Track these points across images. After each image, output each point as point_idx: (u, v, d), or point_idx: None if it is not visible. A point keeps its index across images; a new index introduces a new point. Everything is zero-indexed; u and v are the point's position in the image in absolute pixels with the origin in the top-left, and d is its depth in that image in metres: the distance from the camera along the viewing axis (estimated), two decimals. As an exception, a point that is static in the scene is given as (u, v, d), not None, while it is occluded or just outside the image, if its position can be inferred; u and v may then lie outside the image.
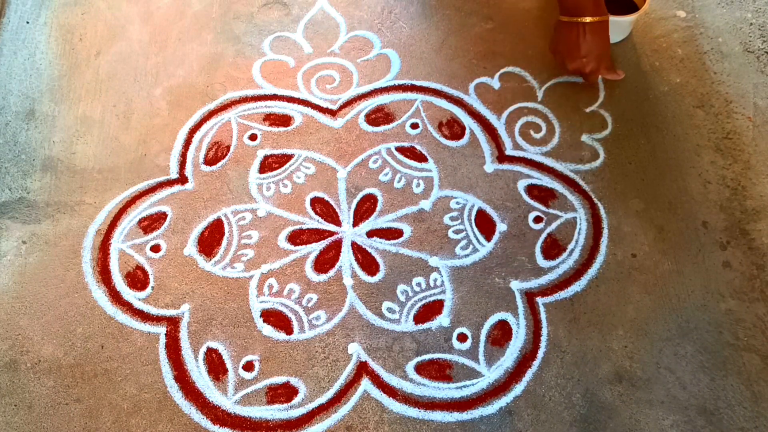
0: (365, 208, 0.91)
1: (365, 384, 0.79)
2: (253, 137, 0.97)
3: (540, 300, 0.84)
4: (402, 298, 0.84)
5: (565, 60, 0.94)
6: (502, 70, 1.03)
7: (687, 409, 0.76)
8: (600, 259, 0.86)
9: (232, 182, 0.93)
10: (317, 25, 1.09)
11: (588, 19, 0.89)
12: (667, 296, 0.83)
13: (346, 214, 0.91)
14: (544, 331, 0.81)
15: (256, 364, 0.80)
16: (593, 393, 0.77)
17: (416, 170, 0.94)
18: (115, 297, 0.85)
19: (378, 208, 0.91)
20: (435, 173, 0.94)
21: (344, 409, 0.77)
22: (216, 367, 0.80)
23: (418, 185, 0.93)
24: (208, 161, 0.95)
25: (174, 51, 1.06)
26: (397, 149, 0.96)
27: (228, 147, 0.97)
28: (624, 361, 0.79)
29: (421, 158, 0.95)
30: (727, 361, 0.79)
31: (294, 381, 0.79)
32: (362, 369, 0.80)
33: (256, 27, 1.09)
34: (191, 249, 0.88)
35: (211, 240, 0.89)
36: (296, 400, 0.78)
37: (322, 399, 0.78)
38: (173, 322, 0.83)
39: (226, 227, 0.90)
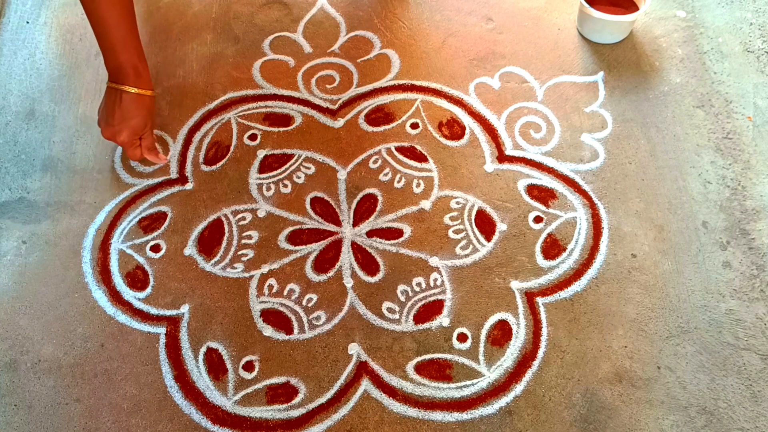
0: (365, 208, 0.91)
1: (365, 384, 0.79)
2: (253, 137, 0.97)
3: (540, 300, 0.84)
4: (402, 298, 0.84)
5: (99, 124, 0.87)
6: (502, 70, 1.03)
7: (687, 409, 0.76)
8: (600, 259, 0.86)
9: (232, 182, 0.93)
10: (317, 25, 1.09)
11: (126, 88, 0.84)
12: (667, 296, 0.83)
13: (346, 214, 0.91)
14: (544, 331, 0.81)
15: (256, 364, 0.80)
16: (593, 393, 0.77)
17: (416, 170, 0.94)
18: (115, 297, 0.85)
19: (378, 208, 0.91)
20: (435, 173, 0.94)
21: (344, 409, 0.77)
22: (216, 367, 0.80)
23: (418, 185, 0.93)
24: (208, 161, 0.95)
25: (174, 51, 1.06)
26: (397, 149, 0.96)
27: (228, 147, 0.97)
28: (624, 361, 0.79)
29: (421, 158, 0.95)
30: (727, 361, 0.79)
31: (294, 381, 0.79)
32: (362, 369, 0.80)
33: (256, 27, 1.09)
34: (191, 249, 0.88)
35: (211, 240, 0.89)
36: (296, 400, 0.78)
37: (322, 399, 0.78)
38: (173, 322, 0.83)
39: (226, 227, 0.90)
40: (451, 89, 1.01)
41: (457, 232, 0.89)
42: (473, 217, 0.90)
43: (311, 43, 1.07)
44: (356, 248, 0.88)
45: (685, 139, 0.96)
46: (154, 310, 0.84)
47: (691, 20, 1.08)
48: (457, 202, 0.91)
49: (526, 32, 1.07)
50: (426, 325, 0.82)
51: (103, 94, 0.87)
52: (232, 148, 0.96)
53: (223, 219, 0.90)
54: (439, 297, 0.84)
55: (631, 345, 0.80)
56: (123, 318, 0.83)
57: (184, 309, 0.84)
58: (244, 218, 0.91)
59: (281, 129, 0.98)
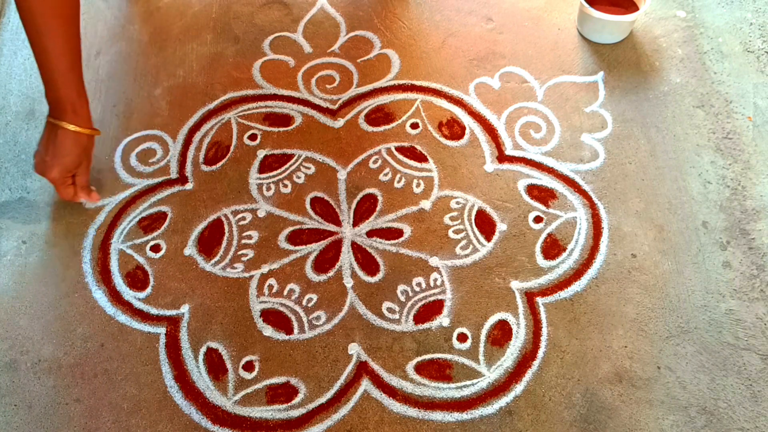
0: (365, 208, 0.91)
1: (365, 384, 0.79)
2: (253, 137, 0.97)
3: (540, 300, 0.84)
4: (402, 298, 0.84)
5: (35, 157, 0.85)
6: (502, 70, 1.03)
7: (687, 409, 0.76)
8: (600, 259, 0.86)
9: (232, 182, 0.93)
10: (317, 24, 1.09)
11: (63, 124, 0.81)
12: (667, 296, 0.83)
13: (346, 214, 0.91)
14: (544, 331, 0.81)
15: (256, 364, 0.80)
16: (593, 393, 0.77)
17: (416, 170, 0.94)
18: (115, 297, 0.85)
19: (378, 208, 0.91)
20: (435, 173, 0.94)
21: (344, 409, 0.77)
22: (216, 367, 0.80)
23: (418, 185, 0.93)
24: (208, 161, 0.95)
25: (174, 51, 1.06)
26: (397, 149, 0.96)
27: (228, 147, 0.97)
28: (624, 361, 0.79)
29: (421, 158, 0.95)
30: (727, 361, 0.79)
31: (294, 381, 0.79)
32: (362, 369, 0.80)
33: (256, 27, 1.09)
34: (191, 249, 0.88)
35: (211, 240, 0.89)
36: (296, 400, 0.78)
37: (322, 399, 0.78)
38: (173, 322, 0.83)
39: (226, 227, 0.90)
40: (451, 89, 1.01)
41: (457, 232, 0.89)
42: (473, 217, 0.90)
43: (311, 43, 1.07)
44: (356, 248, 0.88)
45: (685, 139, 0.96)
46: (154, 310, 0.84)
47: (691, 20, 1.08)
48: (457, 202, 0.91)
49: (526, 32, 1.07)
50: (426, 325, 0.82)
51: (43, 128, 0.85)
52: (232, 148, 0.96)
53: (223, 219, 0.90)
54: (439, 297, 0.84)
55: (631, 345, 0.80)
56: (123, 318, 0.83)
57: (184, 309, 0.84)
58: (244, 218, 0.91)
59: (281, 129, 0.98)
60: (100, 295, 0.85)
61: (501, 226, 0.89)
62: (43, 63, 0.79)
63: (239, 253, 0.88)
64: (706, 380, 0.77)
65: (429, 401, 0.77)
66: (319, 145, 0.96)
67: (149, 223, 0.90)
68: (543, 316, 0.82)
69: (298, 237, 0.89)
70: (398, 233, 0.89)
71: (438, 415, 0.76)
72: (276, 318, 0.83)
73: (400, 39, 1.07)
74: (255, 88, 1.02)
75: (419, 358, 0.80)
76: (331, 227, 0.90)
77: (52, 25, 0.77)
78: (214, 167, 0.95)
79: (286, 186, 0.93)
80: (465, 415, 0.76)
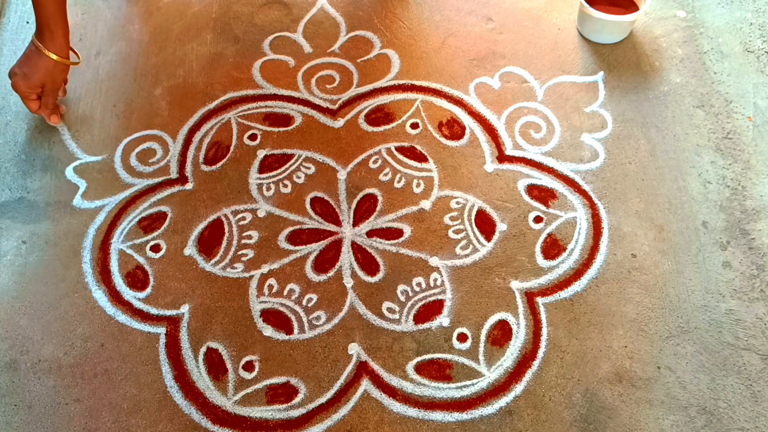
0: (365, 208, 0.91)
1: (365, 384, 0.79)
2: (253, 137, 0.97)
3: (540, 300, 0.84)
4: (402, 298, 0.84)
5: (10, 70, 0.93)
6: (502, 70, 1.03)
7: (687, 409, 0.76)
8: (600, 259, 0.86)
9: (232, 182, 0.93)
10: (317, 25, 1.09)
11: (37, 44, 0.90)
12: (667, 296, 0.83)
13: (346, 214, 0.91)
14: (544, 331, 0.81)
15: (256, 364, 0.80)
16: (593, 393, 0.77)
17: (416, 170, 0.94)
18: (115, 297, 0.85)
19: (378, 208, 0.91)
20: (435, 173, 0.94)
21: (344, 409, 0.77)
22: (216, 367, 0.80)
23: (418, 185, 0.93)
24: (208, 161, 0.95)
25: (174, 51, 1.06)
26: (397, 149, 0.96)
27: (228, 147, 0.97)
28: (624, 361, 0.79)
29: (421, 158, 0.95)
30: (727, 361, 0.79)
31: (294, 381, 0.79)
32: (362, 369, 0.80)
33: (256, 27, 1.09)
34: (191, 249, 0.88)
35: (211, 240, 0.89)
36: (296, 400, 0.78)
37: (322, 399, 0.78)
38: (173, 322, 0.83)
39: (226, 227, 0.90)
40: (451, 89, 1.01)
41: (457, 232, 0.89)
42: (473, 217, 0.90)
43: (311, 43, 1.07)
44: (356, 248, 0.88)
45: (685, 139, 0.96)
46: (154, 310, 0.84)
47: (691, 20, 1.08)
48: (457, 202, 0.91)
49: (526, 32, 1.07)
50: (426, 325, 0.82)
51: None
52: (232, 148, 0.96)
53: (223, 219, 0.90)
54: (439, 297, 0.84)
55: (631, 345, 0.80)
56: (123, 318, 0.83)
57: (184, 309, 0.84)
58: (244, 218, 0.91)
59: (281, 129, 0.98)
60: (100, 295, 0.85)
61: (501, 226, 0.89)
62: None
63: (239, 253, 0.88)
64: (706, 380, 0.77)
65: (429, 401, 0.77)
66: (319, 145, 0.96)
67: (149, 223, 0.90)
68: (543, 316, 0.82)
69: (298, 237, 0.89)
70: (398, 233, 0.89)
71: (438, 415, 0.76)
72: (276, 318, 0.83)
73: (400, 39, 1.07)
74: (255, 88, 1.02)
75: (419, 358, 0.80)
76: (331, 227, 0.90)
77: None
78: (214, 167, 0.95)
79: (286, 186, 0.93)
80: (465, 415, 0.76)
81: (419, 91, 1.01)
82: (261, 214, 0.91)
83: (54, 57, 0.91)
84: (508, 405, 0.77)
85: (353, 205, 0.91)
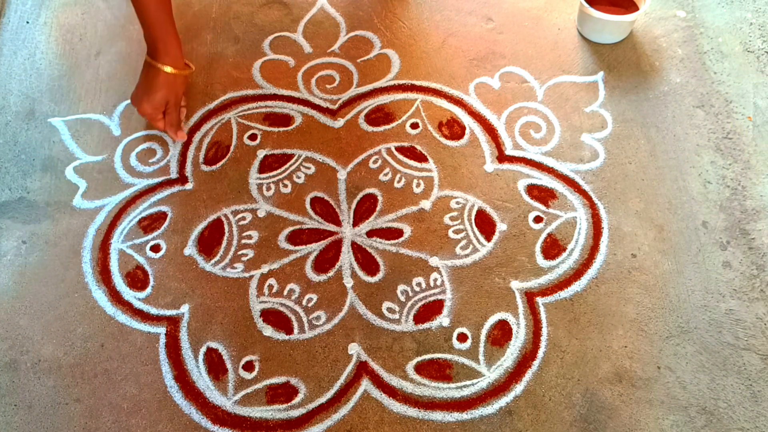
0: (365, 208, 0.91)
1: (365, 384, 0.79)
2: (253, 137, 0.97)
3: (540, 300, 0.84)
4: (402, 298, 0.84)
5: (132, 94, 0.93)
6: (502, 70, 1.03)
7: (687, 409, 0.76)
8: (600, 259, 0.86)
9: (232, 182, 0.93)
10: (317, 24, 1.09)
11: (153, 62, 0.90)
12: (667, 296, 0.83)
13: (346, 214, 0.91)
14: (544, 331, 0.81)
15: (256, 364, 0.80)
16: (593, 393, 0.77)
17: (416, 170, 0.94)
18: (115, 297, 0.85)
19: (378, 208, 0.91)
20: (435, 173, 0.94)
21: (344, 409, 0.77)
22: (216, 367, 0.80)
23: (418, 185, 0.93)
24: (208, 161, 0.95)
25: (174, 51, 1.06)
26: (397, 149, 0.96)
27: (228, 147, 0.97)
28: (624, 361, 0.79)
29: (421, 158, 0.95)
30: (727, 361, 0.79)
31: (294, 381, 0.79)
32: (362, 369, 0.80)
33: (256, 27, 1.09)
34: (191, 249, 0.88)
35: (211, 240, 0.89)
36: (296, 400, 0.78)
37: (322, 399, 0.78)
38: (173, 322, 0.83)
39: (226, 227, 0.90)
40: (451, 89, 1.01)
41: (457, 232, 0.89)
42: (473, 217, 0.90)
43: (311, 43, 1.07)
44: (356, 248, 0.88)
45: (685, 139, 0.96)
46: (154, 310, 0.84)
47: (691, 20, 1.08)
48: (457, 202, 0.91)
49: (526, 32, 1.07)
50: (426, 325, 0.82)
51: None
52: (232, 148, 0.96)
53: (223, 219, 0.90)
54: (439, 297, 0.84)
55: (631, 345, 0.80)
56: (123, 318, 0.83)
57: (184, 309, 0.84)
58: (244, 218, 0.91)
59: (281, 129, 0.98)
60: (100, 295, 0.85)
61: (501, 226, 0.89)
62: (138, 7, 0.87)
63: (239, 253, 0.88)
64: (706, 380, 0.77)
65: (429, 401, 0.77)
66: (319, 145, 0.96)
67: (149, 223, 0.90)
68: (543, 316, 0.82)
69: (298, 237, 0.89)
70: (398, 233, 0.89)
71: (438, 415, 0.76)
72: (276, 318, 0.83)
73: (400, 39, 1.07)
74: (255, 88, 1.02)
75: (419, 358, 0.80)
76: (331, 227, 0.90)
77: None
78: (214, 167, 0.95)
79: (286, 186, 0.93)
80: (465, 415, 0.76)
81: (419, 91, 1.01)
82: (261, 214, 0.91)
83: (172, 70, 0.90)
84: (508, 405, 0.77)
85: (353, 205, 0.91)
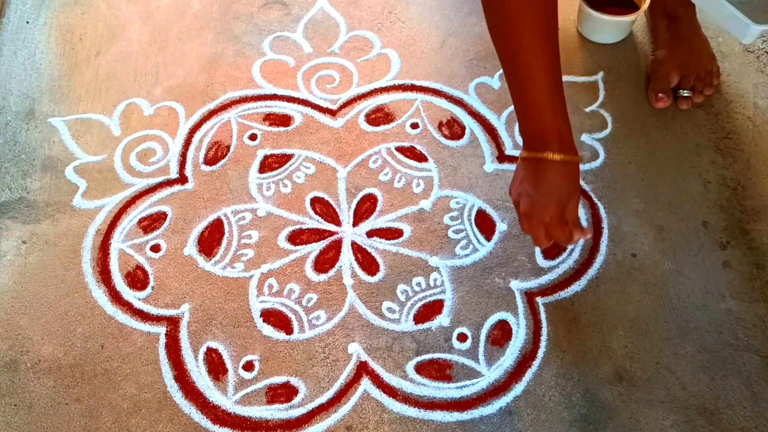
0: (365, 208, 0.91)
1: (365, 384, 0.79)
2: (253, 137, 0.97)
3: (540, 300, 0.84)
4: (402, 297, 0.84)
5: (517, 204, 0.73)
6: (502, 70, 1.03)
7: (687, 409, 0.76)
8: (600, 259, 0.86)
9: (232, 182, 0.93)
10: (317, 24, 1.09)
11: (549, 156, 0.68)
12: (667, 296, 0.83)
13: (346, 214, 0.91)
14: (544, 331, 0.81)
15: (256, 364, 0.80)
16: (593, 393, 0.77)
17: (416, 170, 0.94)
18: (115, 297, 0.85)
19: (378, 208, 0.91)
20: (435, 173, 0.94)
21: (344, 409, 0.77)
22: (216, 367, 0.80)
23: (418, 185, 0.93)
24: (208, 161, 0.95)
25: (174, 51, 1.06)
26: (397, 149, 0.96)
27: (228, 147, 0.97)
28: (624, 361, 0.79)
29: (421, 158, 0.95)
30: (727, 361, 0.79)
31: (294, 381, 0.79)
32: (362, 369, 0.80)
33: (256, 27, 1.09)
34: (191, 249, 0.88)
35: (211, 240, 0.89)
36: (296, 400, 0.78)
37: (322, 399, 0.78)
38: (173, 322, 0.83)
39: (226, 227, 0.90)
40: (451, 89, 1.01)
41: (457, 232, 0.89)
42: (473, 217, 0.90)
43: (311, 43, 1.07)
44: (356, 248, 0.88)
45: (685, 139, 0.96)
46: (154, 310, 0.84)
47: (691, 20, 1.07)
48: (457, 202, 0.91)
49: (526, 32, 1.07)
50: (426, 325, 0.82)
51: (516, 166, 0.73)
52: (232, 148, 0.96)
53: (223, 219, 0.90)
54: (439, 297, 0.84)
55: (631, 345, 0.80)
56: (123, 318, 0.83)
57: (184, 309, 0.84)
58: (244, 218, 0.91)
59: (281, 129, 0.98)
60: (100, 295, 0.85)
61: (501, 226, 0.89)
62: (523, 86, 0.67)
63: (239, 252, 0.88)
64: (706, 380, 0.77)
65: (429, 401, 0.77)
66: (319, 145, 0.96)
67: (149, 223, 0.90)
68: (543, 316, 0.82)
69: (298, 237, 0.89)
70: (398, 233, 0.89)
71: (438, 415, 0.76)
72: (276, 318, 0.83)
73: (400, 39, 1.07)
74: (255, 88, 1.02)
75: (419, 358, 0.80)
76: (331, 227, 0.90)
77: (531, 23, 0.62)
78: (214, 167, 0.95)
79: (286, 186, 0.93)
80: (465, 415, 0.76)
81: (419, 91, 1.01)
82: (261, 213, 0.91)
83: (576, 159, 0.69)
84: (508, 405, 0.77)
85: (353, 205, 0.91)
